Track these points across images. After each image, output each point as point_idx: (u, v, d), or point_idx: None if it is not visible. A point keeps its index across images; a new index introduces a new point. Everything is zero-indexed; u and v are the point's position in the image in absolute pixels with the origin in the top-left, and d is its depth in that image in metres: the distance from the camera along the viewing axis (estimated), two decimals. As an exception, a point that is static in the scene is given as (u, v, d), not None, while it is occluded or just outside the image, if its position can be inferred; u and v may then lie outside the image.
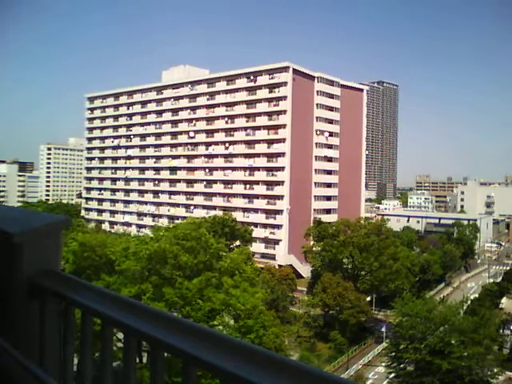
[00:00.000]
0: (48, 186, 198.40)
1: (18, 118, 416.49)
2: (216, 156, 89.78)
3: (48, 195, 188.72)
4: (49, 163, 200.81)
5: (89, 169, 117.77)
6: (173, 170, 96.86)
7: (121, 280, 32.12)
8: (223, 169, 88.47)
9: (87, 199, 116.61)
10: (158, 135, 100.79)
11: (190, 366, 1.27)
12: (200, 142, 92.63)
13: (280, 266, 67.60)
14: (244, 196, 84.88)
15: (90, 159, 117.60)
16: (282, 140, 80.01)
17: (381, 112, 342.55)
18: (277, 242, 78.76)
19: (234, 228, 66.52)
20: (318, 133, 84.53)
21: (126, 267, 32.07)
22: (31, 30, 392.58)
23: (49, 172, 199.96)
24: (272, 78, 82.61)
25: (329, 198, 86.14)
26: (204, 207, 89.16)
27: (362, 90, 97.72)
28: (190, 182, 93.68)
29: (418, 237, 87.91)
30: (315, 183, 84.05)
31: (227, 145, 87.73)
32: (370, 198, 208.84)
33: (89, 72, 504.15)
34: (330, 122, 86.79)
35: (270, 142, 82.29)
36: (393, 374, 41.88)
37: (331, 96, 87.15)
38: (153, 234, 40.08)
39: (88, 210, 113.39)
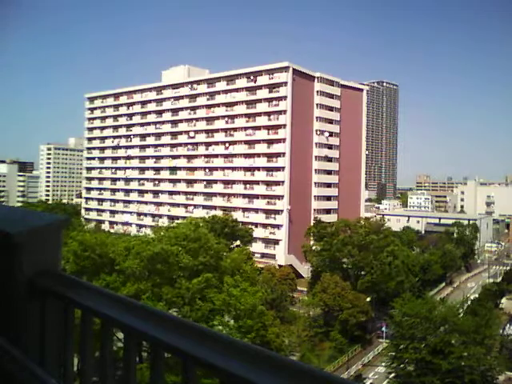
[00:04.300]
0: (48, 186, 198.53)
1: (19, 118, 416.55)
2: (216, 156, 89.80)
3: (48, 195, 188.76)
4: (49, 163, 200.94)
5: (89, 169, 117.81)
6: (173, 169, 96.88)
7: (121, 279, 32.18)
8: (223, 169, 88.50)
9: (87, 199, 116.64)
10: (158, 135, 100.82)
11: (189, 366, 1.26)
12: (200, 141, 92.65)
13: (280, 265, 67.64)
14: (244, 196, 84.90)
15: (90, 159, 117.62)
16: (282, 140, 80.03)
17: (381, 112, 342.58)
18: (277, 241, 78.78)
19: (234, 228, 66.59)
20: (318, 133, 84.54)
21: (126, 266, 32.17)
22: (31, 30, 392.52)
23: (49, 172, 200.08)
24: (272, 78, 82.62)
25: (329, 198, 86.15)
26: (204, 207, 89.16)
27: (361, 89, 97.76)
28: (189, 182, 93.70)
29: (418, 237, 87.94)
30: (315, 183, 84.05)
31: (227, 145, 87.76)
32: (370, 198, 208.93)
33: (89, 72, 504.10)
34: (330, 121, 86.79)
35: (269, 142, 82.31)
36: (393, 374, 41.90)
37: (331, 96, 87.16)
38: (154, 234, 40.18)
39: (88, 209, 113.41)
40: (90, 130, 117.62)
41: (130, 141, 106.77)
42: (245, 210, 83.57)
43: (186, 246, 34.04)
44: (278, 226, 79.39)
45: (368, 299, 55.65)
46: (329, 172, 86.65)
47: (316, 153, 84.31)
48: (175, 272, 32.77)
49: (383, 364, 44.30)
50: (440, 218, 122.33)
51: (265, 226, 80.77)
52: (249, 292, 32.82)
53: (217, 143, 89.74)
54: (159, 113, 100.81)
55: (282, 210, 78.98)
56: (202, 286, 31.80)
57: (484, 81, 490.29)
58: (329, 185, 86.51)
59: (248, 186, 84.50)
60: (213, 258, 34.85)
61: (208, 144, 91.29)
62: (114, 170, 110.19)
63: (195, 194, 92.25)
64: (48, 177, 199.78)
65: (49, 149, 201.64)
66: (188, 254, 33.49)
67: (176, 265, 32.75)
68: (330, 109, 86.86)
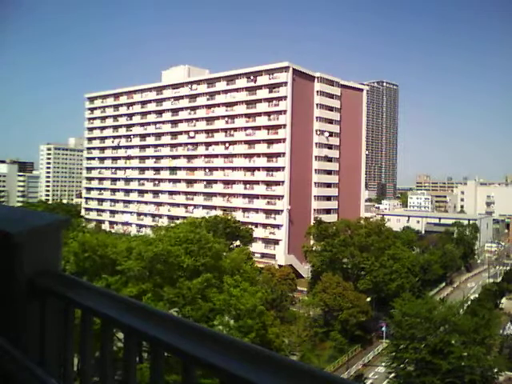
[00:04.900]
0: (48, 186, 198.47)
1: (19, 118, 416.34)
2: (216, 156, 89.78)
3: (48, 195, 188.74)
4: (49, 163, 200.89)
5: (89, 169, 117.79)
6: (173, 169, 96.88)
7: (122, 280, 32.19)
8: (223, 169, 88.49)
9: (87, 199, 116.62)
10: (158, 135, 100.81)
11: (189, 366, 1.27)
12: (200, 142, 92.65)
13: (280, 265, 67.61)
14: (244, 196, 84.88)
15: (90, 159, 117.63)
16: (282, 140, 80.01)
17: (381, 112, 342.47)
18: (277, 241, 78.75)
19: (235, 229, 66.60)
20: (318, 133, 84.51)
21: (128, 267, 32.18)
22: (32, 30, 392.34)
23: (49, 172, 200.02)
24: (272, 78, 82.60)
25: (329, 198, 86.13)
26: (204, 207, 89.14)
27: (361, 89, 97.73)
28: (189, 182, 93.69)
29: (418, 237, 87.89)
30: (315, 183, 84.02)
31: (227, 145, 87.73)
32: (370, 198, 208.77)
33: (89, 72, 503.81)
34: (330, 121, 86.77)
35: (269, 142, 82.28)
36: (393, 374, 41.89)
37: (331, 96, 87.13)
38: (154, 234, 40.19)
39: (88, 209, 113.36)
40: (90, 130, 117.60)
41: (130, 141, 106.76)
42: (245, 210, 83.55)
43: (187, 247, 34.10)
44: (278, 226, 79.36)
45: (368, 299, 55.66)
46: (329, 172, 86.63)
47: (316, 153, 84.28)
48: (176, 272, 32.81)
49: (383, 364, 44.28)
50: (440, 218, 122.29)
51: (265, 225, 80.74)
52: (249, 292, 32.88)
53: (217, 143, 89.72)
54: (159, 113, 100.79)
55: (281, 210, 78.96)
56: (202, 286, 31.86)
57: (484, 81, 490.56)
58: (329, 185, 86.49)
59: (248, 185, 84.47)
60: (213, 259, 34.92)
61: (208, 144, 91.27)
62: (114, 169, 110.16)
63: (195, 193, 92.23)
64: (48, 177, 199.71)
65: (49, 149, 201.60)
66: (189, 255, 33.57)
67: (177, 265, 32.80)
68: (330, 109, 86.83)
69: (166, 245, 33.43)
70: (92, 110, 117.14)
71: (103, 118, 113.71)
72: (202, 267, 33.55)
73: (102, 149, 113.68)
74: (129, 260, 32.85)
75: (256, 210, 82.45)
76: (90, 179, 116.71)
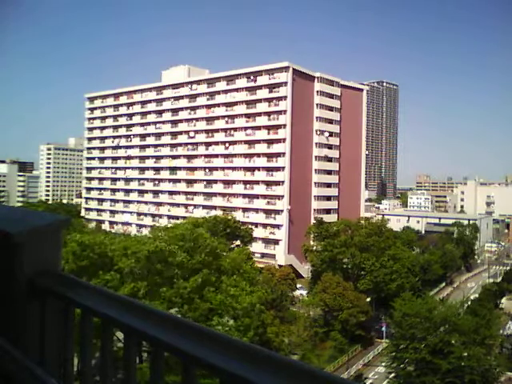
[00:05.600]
0: (48, 186, 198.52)
1: (19, 118, 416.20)
2: (216, 156, 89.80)
3: (48, 195, 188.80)
4: (49, 163, 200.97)
5: (89, 169, 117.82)
6: (173, 169, 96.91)
7: (118, 277, 32.21)
8: (223, 169, 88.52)
9: (87, 199, 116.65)
10: (158, 135, 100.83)
11: (189, 366, 1.27)
12: (200, 141, 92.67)
13: (280, 265, 67.61)
14: (244, 196, 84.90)
15: (90, 159, 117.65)
16: (282, 140, 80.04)
17: (381, 112, 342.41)
18: (277, 241, 78.76)
19: (235, 229, 66.58)
20: (318, 133, 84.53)
21: (123, 265, 32.27)
22: (32, 30, 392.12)
23: (49, 172, 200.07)
24: (272, 78, 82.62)
25: (329, 198, 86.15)
26: (204, 207, 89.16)
27: (361, 89, 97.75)
28: (189, 182, 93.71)
29: (418, 237, 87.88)
30: (315, 183, 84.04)
31: (227, 145, 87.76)
32: (370, 198, 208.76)
33: (89, 72, 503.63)
34: (330, 121, 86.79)
35: (269, 142, 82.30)
36: (393, 374, 41.89)
37: (331, 96, 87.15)
38: (151, 235, 40.26)
39: (88, 209, 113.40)
40: (90, 129, 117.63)
41: (130, 141, 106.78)
42: (245, 209, 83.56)
43: (182, 245, 34.12)
44: (278, 226, 79.38)
45: (368, 299, 55.66)
46: (329, 172, 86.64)
47: (316, 153, 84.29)
48: (172, 271, 32.79)
49: (383, 364, 44.27)
50: (440, 218, 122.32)
51: (265, 225, 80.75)
52: (246, 291, 32.90)
53: (217, 143, 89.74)
54: (159, 113, 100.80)
55: (281, 210, 78.97)
56: (199, 284, 31.83)
57: (484, 80, 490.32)
58: (329, 185, 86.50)
59: (248, 185, 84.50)
60: (210, 257, 34.86)
61: (208, 144, 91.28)
62: (113, 169, 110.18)
63: (195, 193, 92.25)
64: (48, 177, 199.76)
65: (49, 149, 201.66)
66: (185, 253, 33.57)
67: (173, 263, 32.78)
68: (330, 109, 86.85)
69: (162, 243, 33.54)
70: (92, 110, 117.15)
71: (103, 118, 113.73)
72: (200, 265, 33.52)
73: (102, 149, 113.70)
74: (124, 258, 33.01)
75: (256, 210, 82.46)
76: (90, 179, 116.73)
